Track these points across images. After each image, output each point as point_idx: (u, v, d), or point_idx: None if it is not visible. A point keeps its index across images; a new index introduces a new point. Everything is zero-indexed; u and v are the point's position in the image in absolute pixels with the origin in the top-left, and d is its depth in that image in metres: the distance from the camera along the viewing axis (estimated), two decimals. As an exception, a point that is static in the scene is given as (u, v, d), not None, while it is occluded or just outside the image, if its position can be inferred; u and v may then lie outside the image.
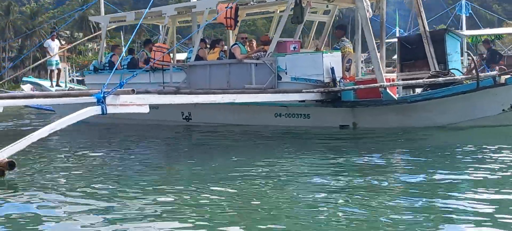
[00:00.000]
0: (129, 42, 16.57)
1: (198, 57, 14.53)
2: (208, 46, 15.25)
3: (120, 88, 8.82)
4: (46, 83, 20.35)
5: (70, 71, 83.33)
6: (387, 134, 11.37)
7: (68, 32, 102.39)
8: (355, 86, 11.50)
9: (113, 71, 10.63)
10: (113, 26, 18.56)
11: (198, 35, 14.65)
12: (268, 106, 13.01)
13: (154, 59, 15.11)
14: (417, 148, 9.79)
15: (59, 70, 20.64)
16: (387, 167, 8.07)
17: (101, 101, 8.66)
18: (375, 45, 11.24)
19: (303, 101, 12.14)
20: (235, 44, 13.86)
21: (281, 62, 12.65)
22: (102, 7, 18.55)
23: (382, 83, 10.88)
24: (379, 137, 11.20)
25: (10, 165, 7.52)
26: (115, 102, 8.73)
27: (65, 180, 7.77)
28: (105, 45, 17.77)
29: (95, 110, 8.62)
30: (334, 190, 6.56)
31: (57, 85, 20.11)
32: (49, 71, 20.55)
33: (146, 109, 9.08)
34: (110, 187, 7.09)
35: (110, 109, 8.71)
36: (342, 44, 12.71)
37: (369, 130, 11.85)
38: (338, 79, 11.91)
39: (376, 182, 6.90)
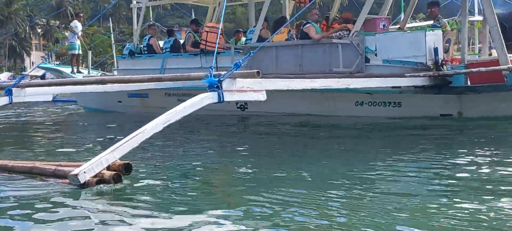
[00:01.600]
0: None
1: (260, 39, 12.98)
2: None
3: (237, 69, 7.23)
4: (66, 70, 18.51)
5: (48, 59, 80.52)
6: (500, 124, 10.04)
7: (44, 20, 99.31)
8: (469, 70, 10.04)
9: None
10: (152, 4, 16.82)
11: (262, 15, 13.10)
12: (347, 93, 11.53)
13: (206, 40, 13.53)
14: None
15: (79, 55, 18.80)
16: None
17: (216, 86, 7.07)
18: (497, 21, 9.81)
19: (399, 87, 10.70)
20: (307, 23, 12.31)
21: (370, 42, 11.16)
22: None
23: (508, 65, 9.45)
24: (492, 127, 9.86)
25: (126, 168, 5.92)
26: (232, 87, 7.16)
27: (185, 181, 6.28)
28: (140, 28, 16.06)
29: (211, 97, 7.03)
30: (448, 192, 5.45)
31: (78, 71, 18.29)
32: (71, 56, 18.70)
33: (263, 97, 7.53)
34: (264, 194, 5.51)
35: (227, 97, 7.14)
36: (442, 22, 11.29)
37: (476, 119, 10.48)
38: (440, 61, 10.48)
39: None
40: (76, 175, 5.58)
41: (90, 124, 14.50)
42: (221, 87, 7.01)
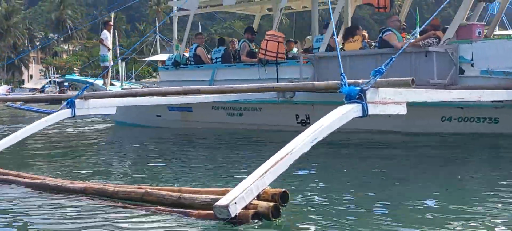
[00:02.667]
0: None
1: (329, 48, 11.88)
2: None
3: (380, 75, 6.08)
4: (98, 82, 17.29)
5: (48, 72, 78.79)
6: None
7: (43, 33, 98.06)
8: None
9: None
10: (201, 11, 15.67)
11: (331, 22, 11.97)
12: (431, 107, 10.41)
13: (265, 49, 12.40)
14: None
15: (108, 67, 17.60)
16: None
17: (358, 97, 5.92)
18: None
19: (501, 101, 9.58)
20: (387, 30, 11.21)
21: (466, 51, 10.06)
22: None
23: None
24: None
25: (283, 197, 4.74)
26: (375, 99, 6.01)
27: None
28: (187, 36, 14.90)
29: (356, 110, 5.88)
30: None
31: (111, 84, 17.09)
32: (103, 68, 17.48)
33: (404, 110, 6.39)
34: None
35: (372, 110, 5.98)
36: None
37: None
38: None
39: None
40: (226, 206, 4.40)
41: (137, 141, 13.28)
42: (365, 98, 5.84)
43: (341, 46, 11.90)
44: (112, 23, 17.52)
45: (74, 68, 79.53)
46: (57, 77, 72.05)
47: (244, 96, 11.82)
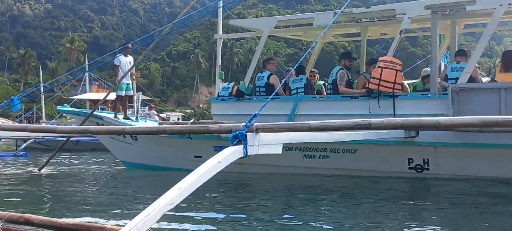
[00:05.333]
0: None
1: (470, 79, 9.76)
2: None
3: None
4: (108, 115, 14.12)
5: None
6: None
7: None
8: None
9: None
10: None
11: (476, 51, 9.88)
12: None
13: (379, 79, 10.07)
14: None
15: (128, 98, 14.50)
16: None
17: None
18: None
19: None
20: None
21: None
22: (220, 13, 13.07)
23: None
24: None
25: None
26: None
27: None
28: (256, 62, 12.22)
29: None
30: None
31: (126, 118, 13.96)
32: (116, 98, 14.32)
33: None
34: None
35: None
36: None
37: None
38: None
39: None
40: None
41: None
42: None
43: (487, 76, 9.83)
44: (130, 46, 14.46)
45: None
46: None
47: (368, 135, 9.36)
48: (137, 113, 14.45)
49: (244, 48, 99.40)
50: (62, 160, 17.81)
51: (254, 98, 11.78)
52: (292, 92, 11.52)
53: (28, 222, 5.81)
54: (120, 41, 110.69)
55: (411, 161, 10.45)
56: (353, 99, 10.68)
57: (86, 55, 52.81)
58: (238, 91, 11.79)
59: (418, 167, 10.43)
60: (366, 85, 10.41)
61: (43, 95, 44.33)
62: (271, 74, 11.75)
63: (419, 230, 6.11)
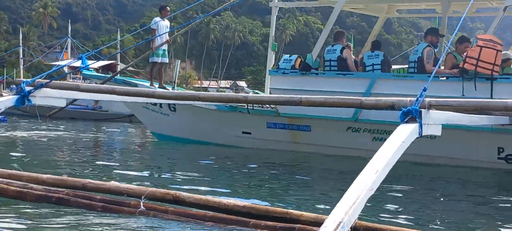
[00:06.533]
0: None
1: None
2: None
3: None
4: (143, 84, 12.87)
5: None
6: None
7: None
8: None
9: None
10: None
11: None
12: None
13: (477, 59, 9.15)
14: None
15: (163, 65, 13.25)
16: None
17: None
18: None
19: None
20: None
21: None
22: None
23: None
24: None
25: None
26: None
27: None
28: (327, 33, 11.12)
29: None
30: None
31: (161, 87, 12.73)
32: (152, 65, 13.07)
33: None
34: None
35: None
36: None
37: None
38: None
39: None
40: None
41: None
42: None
43: None
44: (168, 8, 13.18)
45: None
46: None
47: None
48: (175, 82, 13.22)
49: (221, 24, 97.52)
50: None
51: (324, 73, 10.70)
52: (367, 68, 10.50)
53: (176, 200, 4.68)
54: (92, 10, 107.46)
55: (501, 149, 9.64)
56: (442, 80, 9.72)
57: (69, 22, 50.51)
58: (304, 64, 10.70)
59: (509, 156, 9.61)
60: (460, 65, 9.45)
61: (23, 60, 42.42)
62: (344, 47, 10.68)
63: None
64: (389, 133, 10.04)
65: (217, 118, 11.87)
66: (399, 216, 5.56)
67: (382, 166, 4.27)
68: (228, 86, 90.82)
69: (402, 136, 4.79)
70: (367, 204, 3.84)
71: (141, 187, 5.02)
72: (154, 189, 4.92)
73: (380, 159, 4.38)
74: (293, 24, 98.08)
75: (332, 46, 10.81)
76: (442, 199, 7.27)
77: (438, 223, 5.46)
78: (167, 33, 12.93)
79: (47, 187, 5.11)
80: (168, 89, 12.91)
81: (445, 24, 11.31)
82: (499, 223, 5.46)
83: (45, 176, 5.35)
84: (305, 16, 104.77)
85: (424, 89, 5.16)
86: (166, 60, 13.14)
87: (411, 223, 5.25)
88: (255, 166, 9.55)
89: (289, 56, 11.26)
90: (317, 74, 10.73)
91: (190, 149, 11.91)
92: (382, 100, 5.48)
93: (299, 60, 11.07)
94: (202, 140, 12.20)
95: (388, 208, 6.01)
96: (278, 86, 11.06)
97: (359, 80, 10.33)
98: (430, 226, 5.27)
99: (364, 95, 10.00)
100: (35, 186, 5.07)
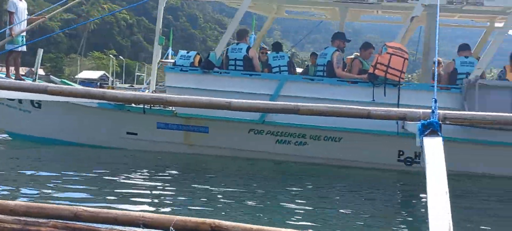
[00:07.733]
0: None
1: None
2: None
3: None
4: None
5: None
6: None
7: None
8: None
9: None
10: None
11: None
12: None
13: (387, 66, 9.45)
14: None
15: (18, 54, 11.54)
16: None
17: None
18: None
19: None
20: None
21: None
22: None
23: None
24: None
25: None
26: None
27: None
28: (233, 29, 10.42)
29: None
30: None
31: (18, 78, 11.08)
32: (9, 53, 11.21)
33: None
34: None
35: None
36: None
37: None
38: None
39: None
40: None
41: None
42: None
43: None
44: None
45: None
46: None
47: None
48: (36, 73, 11.62)
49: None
50: None
51: (229, 73, 10.13)
52: (274, 70, 10.17)
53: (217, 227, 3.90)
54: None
55: (401, 152, 10.01)
56: (353, 85, 9.77)
57: None
58: (207, 62, 10.03)
59: (408, 159, 10.04)
60: (369, 71, 9.59)
61: None
62: (249, 47, 10.23)
63: None
64: (293, 135, 9.99)
65: (97, 116, 10.70)
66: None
67: (445, 183, 3.99)
68: (24, 73, 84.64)
69: (439, 149, 4.52)
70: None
71: (168, 216, 4.12)
72: (184, 218, 4.07)
73: (437, 179, 4.08)
74: (98, 12, 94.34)
75: (237, 44, 10.29)
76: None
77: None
78: (26, 17, 11.37)
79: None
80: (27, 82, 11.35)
81: (342, 30, 11.44)
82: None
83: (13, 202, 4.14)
84: (109, 4, 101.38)
85: (435, 101, 4.96)
86: (24, 48, 11.53)
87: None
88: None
89: (187, 53, 10.50)
90: (220, 73, 10.14)
91: (56, 150, 10.54)
92: (393, 111, 5.15)
93: (198, 57, 10.40)
94: (75, 141, 10.89)
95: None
96: (176, 84, 10.21)
97: (267, 82, 9.97)
98: None
99: (272, 98, 9.70)
100: None
